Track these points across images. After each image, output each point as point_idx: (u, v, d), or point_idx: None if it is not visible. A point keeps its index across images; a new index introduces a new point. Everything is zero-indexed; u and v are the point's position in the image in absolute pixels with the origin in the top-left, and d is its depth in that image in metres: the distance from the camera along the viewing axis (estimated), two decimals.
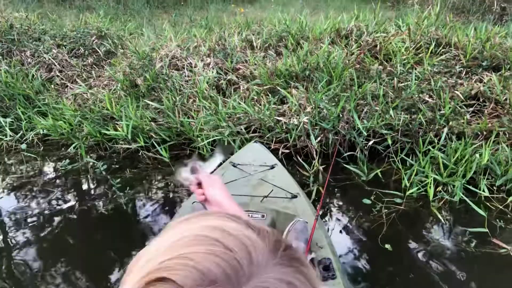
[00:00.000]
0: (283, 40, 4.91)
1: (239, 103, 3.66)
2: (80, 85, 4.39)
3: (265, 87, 3.91)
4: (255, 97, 3.88)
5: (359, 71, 3.96)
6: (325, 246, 1.82)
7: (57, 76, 5.27)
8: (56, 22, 6.82)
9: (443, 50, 4.34)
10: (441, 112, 3.50)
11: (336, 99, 3.58)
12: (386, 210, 2.78)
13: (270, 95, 3.90)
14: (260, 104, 3.77)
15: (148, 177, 3.28)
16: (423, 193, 2.89)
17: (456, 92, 3.66)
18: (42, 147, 3.82)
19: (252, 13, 9.07)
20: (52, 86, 4.91)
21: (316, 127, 3.45)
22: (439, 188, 2.92)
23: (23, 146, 3.78)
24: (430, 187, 2.81)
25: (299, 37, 4.94)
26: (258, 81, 3.99)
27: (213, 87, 4.17)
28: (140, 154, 3.52)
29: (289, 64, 3.97)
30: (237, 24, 5.65)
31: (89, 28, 6.10)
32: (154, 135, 3.62)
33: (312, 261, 1.70)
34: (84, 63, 5.44)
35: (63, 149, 3.73)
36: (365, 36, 4.44)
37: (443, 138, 3.25)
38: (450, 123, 3.43)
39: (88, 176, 3.30)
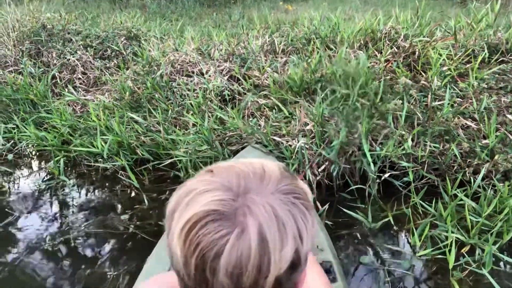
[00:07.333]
0: (312, 43, 4.28)
1: (232, 118, 3.13)
2: (73, 92, 4.12)
3: (267, 100, 3.34)
4: (258, 112, 3.33)
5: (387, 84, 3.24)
6: (326, 248, 1.75)
7: (79, 79, 5.10)
8: (94, 21, 6.70)
9: (501, 58, 3.46)
10: (484, 141, 2.71)
11: (348, 118, 2.91)
12: (388, 279, 2.10)
13: (275, 109, 3.32)
14: (268, 120, 3.21)
15: (116, 205, 2.85)
16: (441, 256, 2.15)
17: (508, 116, 2.82)
18: (31, 159, 3.57)
19: (303, 11, 8.42)
20: (66, 90, 4.71)
21: (321, 152, 2.84)
22: (464, 249, 2.17)
23: (10, 156, 3.55)
24: (450, 249, 2.07)
25: (329, 40, 4.29)
26: (251, 96, 3.42)
27: (218, 98, 3.68)
28: (120, 174, 3.12)
29: (300, 75, 3.34)
30: (265, 24, 5.09)
31: (119, 29, 5.92)
32: (140, 153, 3.22)
33: None
34: (107, 65, 5.23)
35: (51, 161, 3.44)
36: (400, 41, 3.66)
37: (480, 177, 2.46)
38: (496, 157, 2.62)
39: (56, 198, 2.94)
